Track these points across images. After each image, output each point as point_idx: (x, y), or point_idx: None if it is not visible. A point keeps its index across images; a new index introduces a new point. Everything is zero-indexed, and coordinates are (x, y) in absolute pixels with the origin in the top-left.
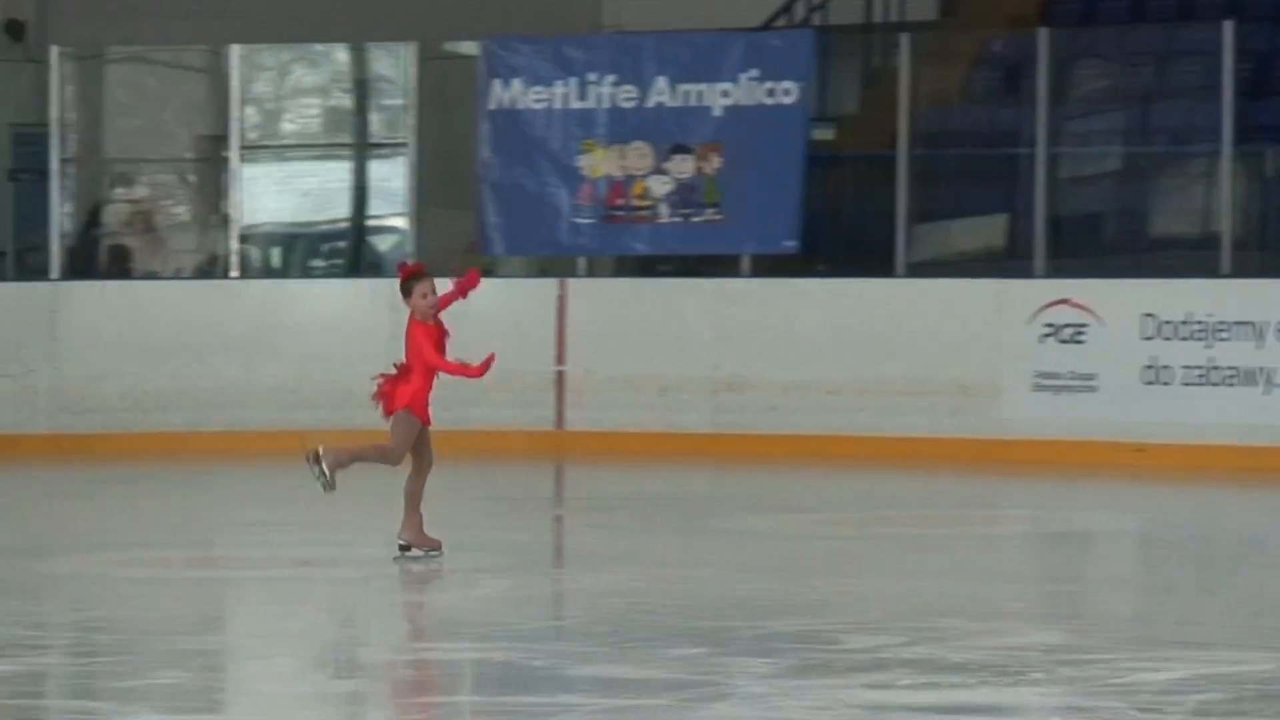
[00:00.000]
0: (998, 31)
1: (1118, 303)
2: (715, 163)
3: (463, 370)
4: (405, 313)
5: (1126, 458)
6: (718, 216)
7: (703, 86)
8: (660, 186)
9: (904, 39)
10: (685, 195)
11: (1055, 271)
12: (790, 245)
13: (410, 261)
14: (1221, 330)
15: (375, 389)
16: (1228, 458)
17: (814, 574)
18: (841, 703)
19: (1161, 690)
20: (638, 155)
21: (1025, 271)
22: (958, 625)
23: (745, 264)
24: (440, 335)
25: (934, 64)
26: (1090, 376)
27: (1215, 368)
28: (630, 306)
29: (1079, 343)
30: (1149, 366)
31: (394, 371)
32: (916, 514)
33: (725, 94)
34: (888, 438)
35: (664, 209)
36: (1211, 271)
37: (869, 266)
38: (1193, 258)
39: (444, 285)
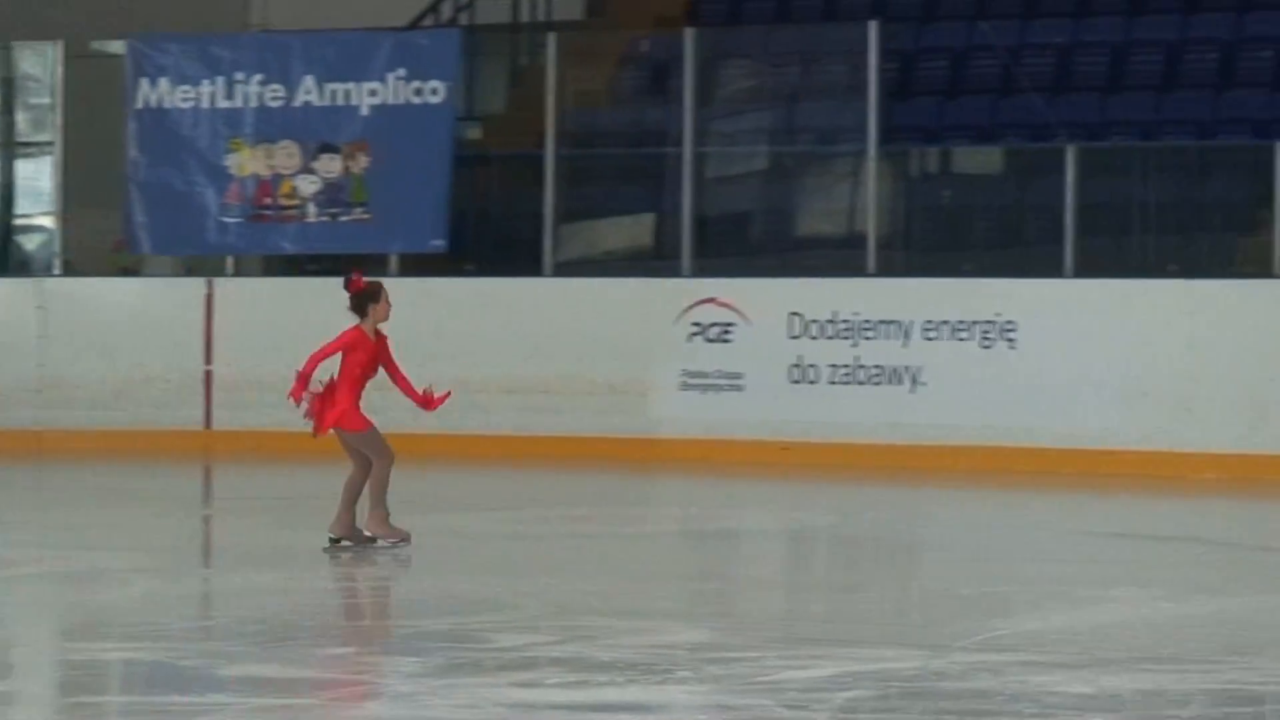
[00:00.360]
0: (644, 31)
1: (764, 302)
2: (363, 162)
3: (306, 373)
4: (51, 313)
5: (773, 456)
6: (365, 216)
7: (350, 86)
8: (308, 186)
9: (551, 38)
10: (333, 194)
11: (702, 271)
12: (438, 244)
13: (355, 274)
14: (867, 329)
15: (306, 408)
16: (873, 456)
17: (464, 573)
18: (490, 701)
19: (808, 688)
20: (285, 154)
21: (672, 271)
22: (606, 624)
23: (393, 263)
24: (374, 351)
25: (581, 64)
26: (737, 375)
27: (861, 366)
28: (279, 306)
29: (726, 342)
30: (796, 365)
31: (321, 390)
32: (566, 513)
33: (373, 93)
34: (537, 437)
35: (311, 208)
36: (857, 271)
37: (517, 266)
38: (839, 257)
39: None
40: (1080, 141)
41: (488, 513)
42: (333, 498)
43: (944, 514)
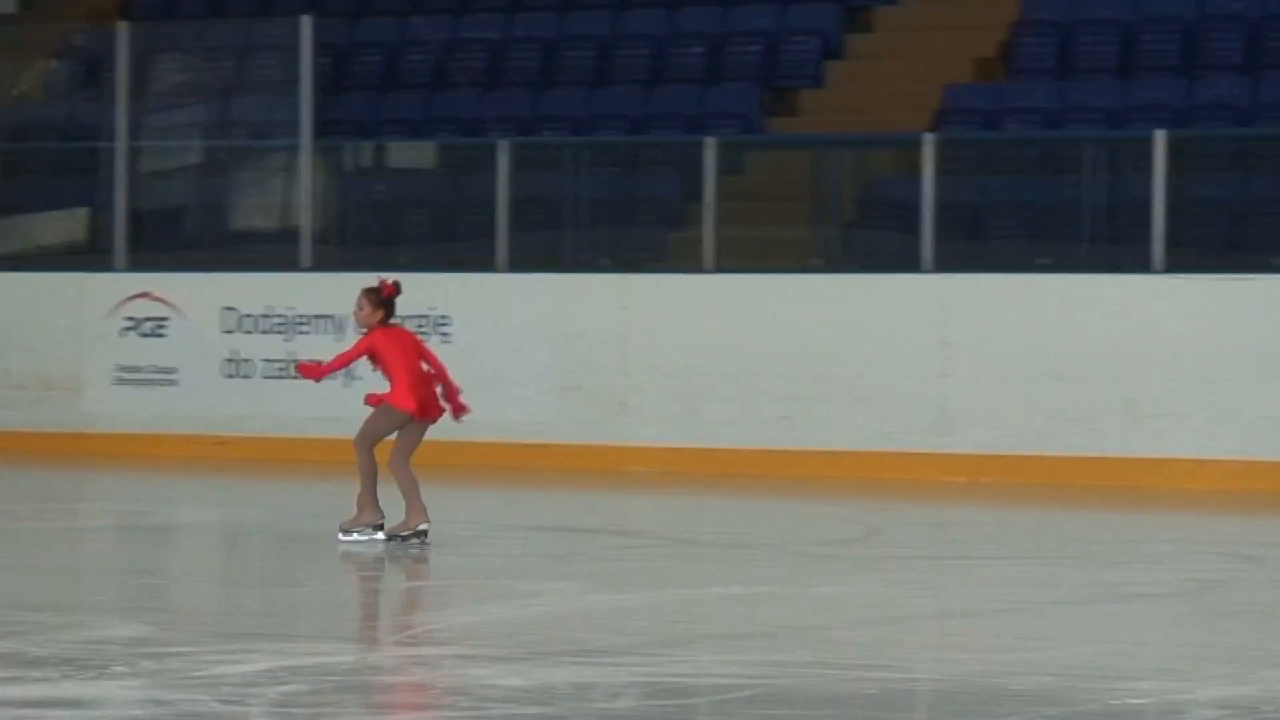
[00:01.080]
0: (78, 25)
1: (198, 296)
2: None
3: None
4: None
5: (208, 451)
6: None
7: None
8: None
9: None
10: None
11: (136, 265)
12: None
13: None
14: (301, 324)
15: (443, 408)
16: (308, 450)
17: None
18: None
19: (243, 682)
20: None
21: (106, 265)
22: (40, 619)
23: None
24: None
25: (14, 57)
26: (171, 370)
27: (295, 360)
28: None
29: (160, 336)
30: (230, 360)
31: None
32: None
33: None
34: None
35: None
36: (291, 265)
37: None
38: (273, 251)
39: None
40: (513, 136)
41: None
42: None
43: None
